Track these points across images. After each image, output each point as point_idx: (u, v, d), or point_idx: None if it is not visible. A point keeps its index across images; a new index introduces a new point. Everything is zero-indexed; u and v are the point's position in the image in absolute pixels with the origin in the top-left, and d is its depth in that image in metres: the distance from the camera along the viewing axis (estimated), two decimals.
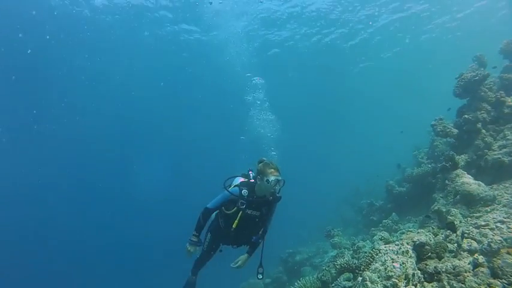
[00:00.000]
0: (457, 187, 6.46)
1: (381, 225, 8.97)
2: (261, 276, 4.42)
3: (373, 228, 9.50)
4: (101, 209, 32.49)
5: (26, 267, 24.41)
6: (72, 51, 18.84)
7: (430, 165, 9.60)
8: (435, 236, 5.44)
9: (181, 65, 22.65)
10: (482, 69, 9.21)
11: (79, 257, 25.90)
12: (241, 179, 4.54)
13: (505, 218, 5.31)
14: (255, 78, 17.89)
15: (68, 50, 18.64)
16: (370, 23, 20.17)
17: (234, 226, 4.16)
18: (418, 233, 4.40)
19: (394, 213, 9.42)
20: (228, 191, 4.23)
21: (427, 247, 4.06)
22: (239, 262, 4.43)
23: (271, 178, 3.97)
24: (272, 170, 4.05)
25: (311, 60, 24.08)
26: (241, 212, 4.13)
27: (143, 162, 35.68)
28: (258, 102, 19.16)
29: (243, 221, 4.16)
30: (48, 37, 17.13)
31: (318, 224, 17.09)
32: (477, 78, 7.79)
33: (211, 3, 15.75)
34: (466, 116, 7.64)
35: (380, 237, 6.19)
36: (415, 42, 23.33)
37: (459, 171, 6.79)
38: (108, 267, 24.09)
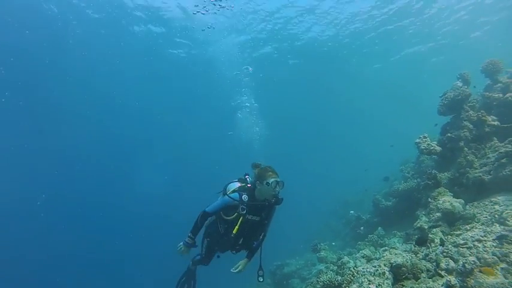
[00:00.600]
0: (438, 205, 6.61)
1: (366, 239, 9.07)
2: (262, 279, 4.43)
3: (359, 242, 9.60)
4: (101, 210, 32.37)
5: (26, 270, 24.14)
6: (72, 51, 18.94)
7: (415, 180, 9.77)
8: (416, 254, 5.58)
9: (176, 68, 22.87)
10: (465, 87, 9.46)
11: (79, 258, 25.84)
12: (238, 184, 4.54)
13: (482, 237, 5.46)
14: (247, 67, 18.21)
15: (68, 50, 18.78)
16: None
17: (234, 232, 4.15)
18: (395, 254, 4.50)
19: (380, 228, 9.54)
20: (229, 196, 4.23)
21: (403, 268, 4.18)
22: (240, 267, 4.41)
23: (271, 180, 3.99)
24: (270, 172, 4.09)
25: (301, 70, 24.45)
26: (241, 217, 4.12)
27: (142, 164, 35.85)
28: (247, 104, 19.56)
29: (243, 226, 4.16)
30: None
31: (307, 235, 17.18)
32: (459, 97, 8.01)
33: (203, 30, 16.45)
34: (449, 134, 7.85)
35: (362, 254, 6.30)
36: (403, 54, 23.75)
37: (441, 189, 6.95)
38: (108, 269, 24.05)
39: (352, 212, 13.32)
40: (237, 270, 4.39)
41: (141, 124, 31.99)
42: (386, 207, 10.44)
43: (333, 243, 12.25)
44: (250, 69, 19.34)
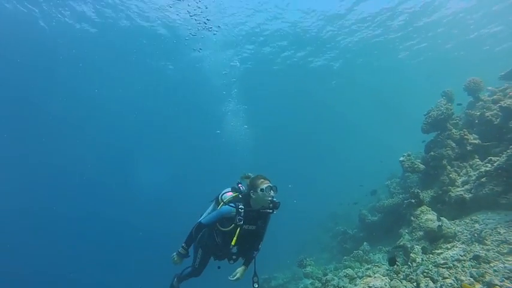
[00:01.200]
0: (421, 223, 6.73)
1: (352, 255, 9.14)
2: (257, 285, 4.39)
3: (345, 257, 9.67)
4: (102, 209, 32.26)
5: (25, 271, 23.77)
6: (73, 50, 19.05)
7: (401, 196, 9.91)
8: (397, 274, 5.65)
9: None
10: (449, 104, 9.70)
11: (80, 257, 25.51)
12: (231, 193, 4.48)
13: (461, 256, 5.58)
14: (235, 60, 18.36)
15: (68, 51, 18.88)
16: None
17: (233, 243, 4.12)
18: (375, 278, 4.56)
19: (365, 243, 9.62)
20: (225, 208, 4.20)
21: None
22: (237, 274, 4.36)
23: (264, 186, 4.00)
24: (262, 179, 4.10)
25: (291, 82, 24.76)
26: (239, 228, 4.09)
27: (142, 164, 35.77)
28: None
29: (241, 237, 4.13)
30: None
31: (295, 246, 17.20)
32: (442, 116, 8.20)
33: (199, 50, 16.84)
34: (432, 152, 8.02)
35: (345, 274, 6.36)
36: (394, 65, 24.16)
37: (424, 207, 7.07)
38: (109, 267, 23.77)
39: (339, 227, 13.41)
40: (235, 278, 4.35)
41: (139, 127, 32.02)
42: (372, 222, 10.55)
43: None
44: (237, 63, 19.53)
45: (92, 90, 23.65)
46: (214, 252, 4.61)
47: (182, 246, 4.35)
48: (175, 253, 4.37)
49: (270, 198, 4.04)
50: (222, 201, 4.40)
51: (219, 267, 4.82)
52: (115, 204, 33.17)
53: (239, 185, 4.56)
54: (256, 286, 4.43)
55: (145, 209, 32.89)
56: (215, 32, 15.90)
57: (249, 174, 4.40)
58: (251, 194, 4.13)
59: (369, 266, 6.83)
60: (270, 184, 4.06)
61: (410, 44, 21.61)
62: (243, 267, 4.46)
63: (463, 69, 20.22)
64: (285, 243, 17.69)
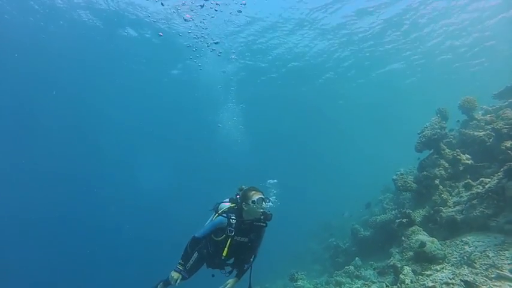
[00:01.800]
0: (411, 244, 6.77)
1: (343, 270, 9.17)
2: None
3: (336, 272, 9.69)
4: (103, 209, 32.31)
5: (25, 272, 23.70)
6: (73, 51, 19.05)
7: (393, 212, 9.95)
8: None
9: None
10: (443, 122, 9.78)
11: (81, 257, 25.71)
12: (229, 204, 4.54)
13: (450, 279, 5.63)
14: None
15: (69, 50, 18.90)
16: None
17: (224, 254, 4.18)
18: None
19: (357, 258, 9.66)
20: (218, 218, 4.25)
21: None
22: (228, 285, 4.38)
23: (256, 198, 4.04)
24: (253, 191, 4.15)
25: (289, 90, 24.89)
26: (230, 239, 4.14)
27: (144, 163, 35.83)
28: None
29: (232, 248, 4.18)
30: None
31: (288, 256, 17.23)
32: (436, 136, 8.27)
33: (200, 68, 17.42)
34: (425, 172, 8.08)
35: None
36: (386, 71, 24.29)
37: (415, 228, 7.12)
38: (109, 268, 23.84)
39: (332, 239, 13.43)
40: None
41: (141, 127, 32.01)
42: (364, 237, 10.58)
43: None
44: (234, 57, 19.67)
45: (93, 93, 23.67)
46: (207, 260, 4.60)
47: (179, 262, 4.36)
48: (173, 270, 4.34)
49: (261, 210, 4.09)
50: (219, 211, 4.45)
51: (213, 276, 4.78)
52: (116, 206, 33.19)
53: (237, 196, 4.56)
54: None
55: (147, 211, 33.01)
56: (212, 49, 16.32)
57: (243, 186, 4.42)
58: (243, 206, 4.17)
59: (359, 286, 6.85)
60: (262, 196, 4.10)
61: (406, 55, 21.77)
62: (234, 278, 4.47)
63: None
64: (277, 253, 17.73)
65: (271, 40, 18.85)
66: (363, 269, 9.43)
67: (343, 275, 8.95)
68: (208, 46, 15.74)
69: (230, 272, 4.59)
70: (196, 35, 15.04)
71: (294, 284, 9.46)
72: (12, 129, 25.31)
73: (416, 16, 17.09)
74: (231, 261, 4.49)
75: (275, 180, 11.16)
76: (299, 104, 27.47)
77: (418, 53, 21.31)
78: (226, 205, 4.54)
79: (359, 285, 6.77)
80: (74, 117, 26.65)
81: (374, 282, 7.29)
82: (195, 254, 4.70)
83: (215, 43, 15.83)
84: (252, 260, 4.48)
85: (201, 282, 5.14)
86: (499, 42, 19.87)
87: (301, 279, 9.54)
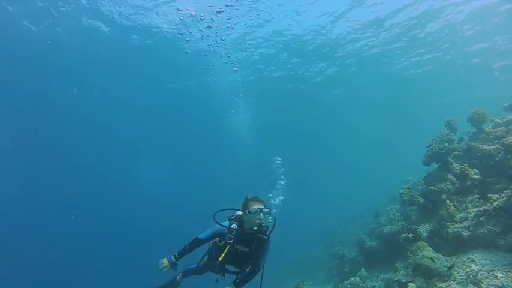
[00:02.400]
0: (417, 260, 6.76)
1: (348, 282, 9.17)
2: None
3: (342, 284, 9.74)
4: (104, 208, 32.30)
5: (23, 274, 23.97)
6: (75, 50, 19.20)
7: (400, 223, 9.90)
8: None
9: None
10: (452, 134, 9.73)
11: (81, 257, 25.58)
12: (240, 212, 4.46)
13: None
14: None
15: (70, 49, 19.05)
16: None
17: (220, 259, 4.20)
18: None
19: (363, 269, 9.66)
20: (220, 224, 4.26)
21: None
22: None
23: (253, 208, 4.02)
24: (253, 201, 4.13)
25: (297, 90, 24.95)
26: (228, 246, 4.14)
27: (145, 163, 35.93)
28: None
29: (230, 255, 4.19)
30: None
31: (293, 262, 17.22)
32: (444, 151, 8.23)
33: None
34: (432, 187, 8.05)
35: None
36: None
37: (421, 243, 7.10)
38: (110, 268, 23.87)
39: (338, 248, 13.43)
40: None
41: (143, 126, 32.20)
42: (370, 248, 10.55)
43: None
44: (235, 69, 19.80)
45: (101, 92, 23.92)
46: (211, 261, 4.68)
47: (174, 255, 4.38)
48: (166, 258, 4.38)
49: (257, 221, 4.04)
50: (228, 217, 4.47)
51: (217, 281, 4.77)
52: (119, 203, 33.36)
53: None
54: None
55: (149, 208, 33.08)
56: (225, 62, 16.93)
57: (248, 196, 4.38)
58: (243, 216, 4.19)
59: None
60: (260, 207, 4.07)
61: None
62: (232, 285, 4.40)
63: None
64: (283, 258, 17.77)
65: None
66: (368, 280, 9.45)
67: (349, 286, 8.95)
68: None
69: (224, 276, 4.59)
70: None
71: None
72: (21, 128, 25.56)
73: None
74: (232, 268, 4.52)
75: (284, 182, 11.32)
76: (308, 103, 27.50)
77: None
78: (238, 213, 4.49)
79: None
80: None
81: None
82: (206, 257, 4.87)
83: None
84: (248, 270, 4.42)
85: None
86: None
87: None
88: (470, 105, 10.33)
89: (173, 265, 4.38)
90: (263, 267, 4.44)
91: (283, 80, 23.61)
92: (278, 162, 13.34)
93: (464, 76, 23.71)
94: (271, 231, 4.20)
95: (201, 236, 4.36)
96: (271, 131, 30.26)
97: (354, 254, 11.82)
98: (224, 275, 4.59)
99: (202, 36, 15.86)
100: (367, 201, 19.81)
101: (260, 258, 4.36)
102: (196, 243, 4.38)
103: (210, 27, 13.96)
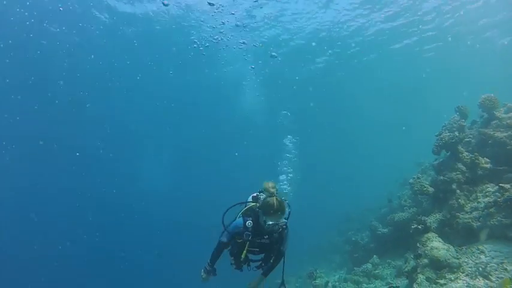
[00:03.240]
0: (426, 251, 6.87)
1: (361, 269, 9.40)
2: None
3: (355, 269, 9.98)
4: (103, 210, 32.92)
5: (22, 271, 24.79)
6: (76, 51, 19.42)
7: (411, 210, 10.00)
8: None
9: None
10: (463, 121, 9.63)
11: (82, 258, 26.41)
12: (251, 204, 4.47)
13: None
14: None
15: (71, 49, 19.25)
16: None
17: (242, 257, 4.21)
18: None
19: (375, 256, 9.87)
20: (241, 218, 4.24)
21: None
22: (252, 284, 4.53)
23: (270, 222, 3.80)
24: (272, 211, 3.79)
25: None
26: (248, 242, 4.12)
27: (146, 163, 36.31)
28: None
29: (255, 248, 4.24)
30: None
31: (310, 245, 17.55)
32: (453, 140, 8.17)
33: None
34: (442, 177, 8.05)
35: None
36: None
37: (430, 234, 7.18)
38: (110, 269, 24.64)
39: (350, 232, 13.63)
40: (251, 286, 4.56)
41: (148, 122, 32.37)
42: (382, 234, 10.71)
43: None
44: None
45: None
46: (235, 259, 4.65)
47: (208, 263, 4.44)
48: (202, 269, 4.47)
49: (269, 230, 3.93)
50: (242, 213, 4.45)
51: (241, 270, 4.74)
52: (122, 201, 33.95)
53: (261, 193, 4.46)
54: None
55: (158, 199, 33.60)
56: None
57: (270, 186, 4.09)
58: (259, 214, 4.05)
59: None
60: (277, 221, 3.83)
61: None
62: (261, 276, 4.57)
63: None
64: (298, 243, 18.11)
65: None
66: (380, 266, 9.66)
67: (361, 274, 9.18)
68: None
69: (259, 267, 4.62)
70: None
71: (313, 282, 9.74)
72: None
73: None
74: (255, 257, 4.53)
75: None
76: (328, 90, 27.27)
77: None
78: (248, 205, 4.52)
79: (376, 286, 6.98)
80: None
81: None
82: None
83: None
84: (272, 260, 4.50)
85: (229, 277, 5.17)
86: None
87: (319, 277, 9.84)
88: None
89: (212, 272, 4.46)
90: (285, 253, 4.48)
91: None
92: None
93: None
94: (287, 219, 4.05)
95: (222, 238, 4.33)
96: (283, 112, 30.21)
97: (366, 240, 12.02)
98: (249, 265, 4.58)
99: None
100: (381, 186, 19.81)
101: (282, 245, 4.37)
102: (222, 246, 4.38)
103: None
